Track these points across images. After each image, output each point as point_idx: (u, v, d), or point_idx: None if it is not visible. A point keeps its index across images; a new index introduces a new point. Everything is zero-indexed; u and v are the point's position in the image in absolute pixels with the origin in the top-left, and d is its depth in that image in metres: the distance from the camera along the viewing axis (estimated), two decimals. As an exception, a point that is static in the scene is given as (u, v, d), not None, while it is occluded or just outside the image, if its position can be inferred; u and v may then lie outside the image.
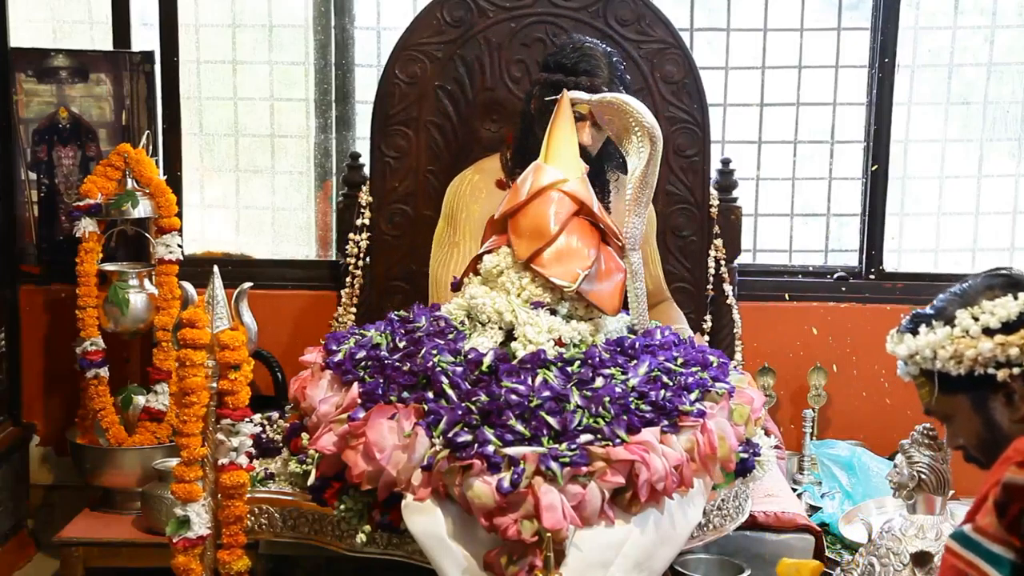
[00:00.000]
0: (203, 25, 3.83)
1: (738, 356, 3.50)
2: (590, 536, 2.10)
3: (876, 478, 3.39)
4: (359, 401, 2.25)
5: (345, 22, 3.80)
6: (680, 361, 2.41)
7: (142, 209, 3.40)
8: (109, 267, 3.46)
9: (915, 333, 1.81)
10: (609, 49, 2.98)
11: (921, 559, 2.34)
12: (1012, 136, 3.85)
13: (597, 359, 2.31)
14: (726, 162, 3.55)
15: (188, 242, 3.66)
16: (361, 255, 3.50)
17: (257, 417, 2.42)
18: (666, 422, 2.21)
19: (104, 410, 3.40)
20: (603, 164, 2.95)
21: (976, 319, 1.76)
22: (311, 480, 2.30)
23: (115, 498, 3.41)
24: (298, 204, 3.92)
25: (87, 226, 3.37)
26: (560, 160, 2.54)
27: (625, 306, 2.57)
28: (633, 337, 2.47)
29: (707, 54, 3.77)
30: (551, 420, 2.14)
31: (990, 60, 3.81)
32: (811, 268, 3.86)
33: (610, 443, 2.12)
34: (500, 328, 2.41)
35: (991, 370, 1.72)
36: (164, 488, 2.97)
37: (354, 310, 3.51)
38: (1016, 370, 1.71)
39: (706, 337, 3.44)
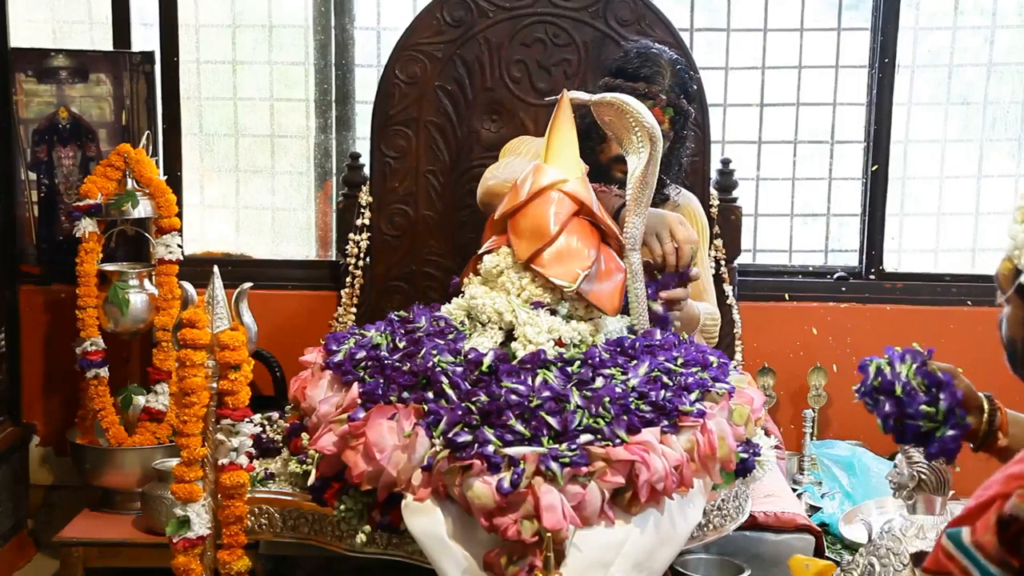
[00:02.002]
0: (203, 25, 3.83)
1: (738, 356, 3.50)
2: (590, 536, 2.09)
3: (876, 478, 3.39)
4: (359, 401, 2.25)
5: (345, 22, 3.80)
6: (680, 361, 2.41)
7: (142, 209, 3.40)
8: (109, 267, 3.46)
9: None
10: (675, 56, 2.90)
11: (921, 559, 2.34)
12: (1012, 136, 3.85)
13: (597, 359, 2.31)
14: (726, 162, 3.55)
15: (188, 242, 3.66)
16: (361, 255, 3.50)
17: (257, 417, 2.42)
18: (666, 422, 2.21)
19: (104, 410, 3.40)
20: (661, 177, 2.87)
21: None
22: (311, 480, 2.30)
23: (115, 498, 3.42)
24: (298, 204, 3.93)
25: (87, 226, 3.37)
26: (560, 160, 2.54)
27: (626, 306, 2.57)
28: (633, 337, 2.47)
29: (707, 54, 3.77)
30: (551, 420, 2.13)
31: (990, 60, 3.81)
32: (811, 268, 3.86)
33: (610, 443, 2.12)
34: (500, 328, 2.40)
35: None
36: (164, 488, 2.97)
37: (354, 310, 3.51)
38: None
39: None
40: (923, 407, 1.83)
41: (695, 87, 2.94)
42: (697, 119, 3.36)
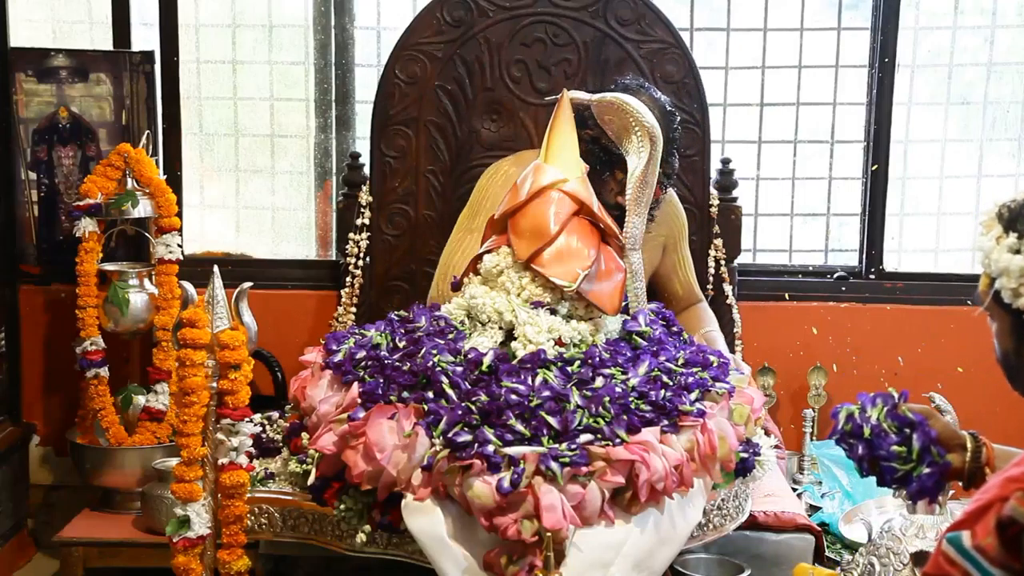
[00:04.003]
0: (203, 25, 3.83)
1: (738, 356, 3.50)
2: (590, 536, 2.10)
3: (876, 478, 3.38)
4: (359, 401, 2.25)
5: (345, 22, 3.80)
6: (680, 361, 2.41)
7: (142, 209, 3.40)
8: (109, 267, 3.46)
9: (1010, 231, 1.65)
10: (669, 109, 2.82)
11: (921, 559, 2.33)
12: (1012, 136, 3.85)
13: (597, 359, 2.31)
14: (726, 162, 3.55)
15: (188, 242, 3.66)
16: (361, 255, 3.50)
17: (257, 417, 2.42)
18: (666, 422, 2.21)
19: (104, 410, 3.40)
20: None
21: None
22: (311, 480, 2.30)
23: (115, 498, 3.41)
24: (298, 204, 3.92)
25: (87, 226, 3.37)
26: (560, 160, 2.54)
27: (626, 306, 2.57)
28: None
29: (707, 54, 3.77)
30: (551, 420, 2.14)
31: (990, 60, 3.81)
32: (811, 268, 3.86)
33: (610, 443, 2.12)
34: (500, 328, 2.40)
35: None
36: (164, 488, 2.97)
37: (354, 310, 3.51)
38: None
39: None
40: (895, 447, 1.84)
41: (680, 130, 2.90)
42: (697, 119, 3.37)
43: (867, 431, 1.86)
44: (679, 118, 2.91)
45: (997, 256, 1.65)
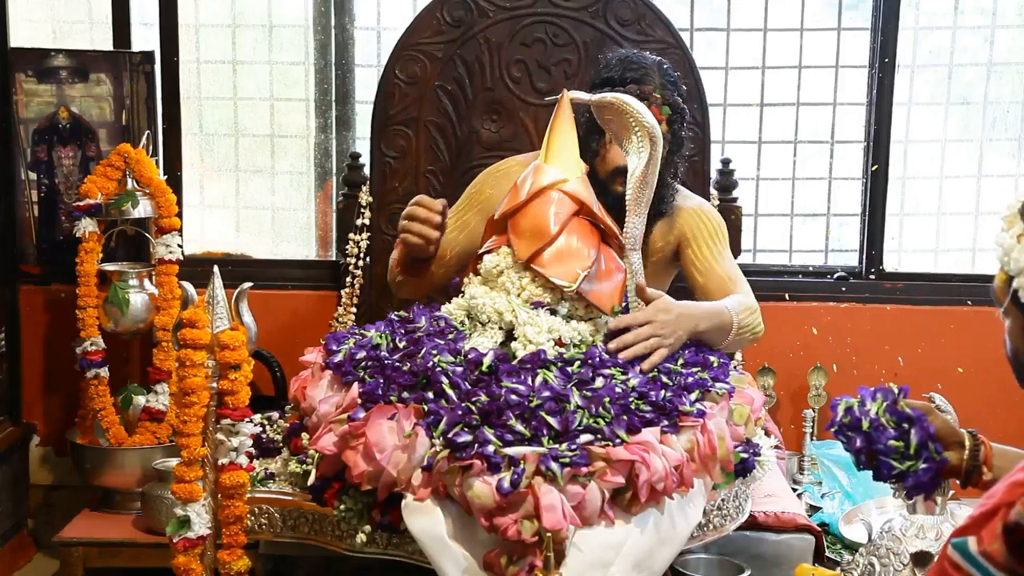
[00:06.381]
0: (203, 25, 3.84)
1: (738, 356, 3.50)
2: (590, 536, 2.09)
3: (876, 478, 3.39)
4: (359, 401, 2.25)
5: (345, 22, 3.80)
6: (680, 361, 2.41)
7: (142, 209, 3.40)
8: (109, 267, 3.46)
9: None
10: (658, 59, 2.81)
11: (921, 559, 2.34)
12: (1012, 136, 3.85)
13: (597, 359, 2.31)
14: (726, 162, 3.55)
15: (188, 242, 3.66)
16: (361, 255, 3.50)
17: (257, 417, 2.42)
18: (666, 422, 2.21)
19: (104, 410, 3.40)
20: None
21: None
22: (311, 480, 2.30)
23: (115, 498, 3.42)
24: (298, 204, 3.92)
25: (87, 226, 3.37)
26: (560, 160, 2.54)
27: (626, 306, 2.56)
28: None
29: (707, 54, 3.77)
30: (551, 420, 2.13)
31: (990, 60, 3.81)
32: (811, 268, 3.86)
33: (610, 443, 2.12)
34: (500, 328, 2.40)
35: None
36: (164, 488, 2.97)
37: (354, 310, 3.51)
38: None
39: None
40: (892, 441, 1.85)
41: (684, 86, 2.86)
42: (697, 119, 3.37)
43: (865, 424, 1.87)
44: (683, 84, 2.86)
45: (1018, 255, 1.62)
